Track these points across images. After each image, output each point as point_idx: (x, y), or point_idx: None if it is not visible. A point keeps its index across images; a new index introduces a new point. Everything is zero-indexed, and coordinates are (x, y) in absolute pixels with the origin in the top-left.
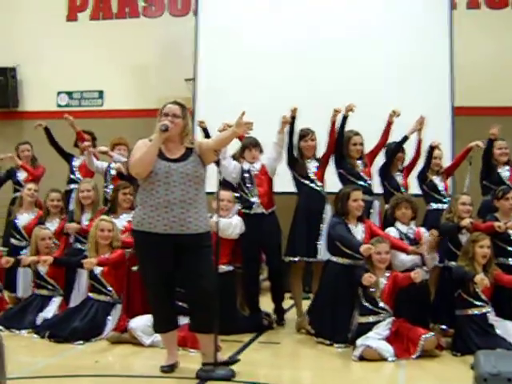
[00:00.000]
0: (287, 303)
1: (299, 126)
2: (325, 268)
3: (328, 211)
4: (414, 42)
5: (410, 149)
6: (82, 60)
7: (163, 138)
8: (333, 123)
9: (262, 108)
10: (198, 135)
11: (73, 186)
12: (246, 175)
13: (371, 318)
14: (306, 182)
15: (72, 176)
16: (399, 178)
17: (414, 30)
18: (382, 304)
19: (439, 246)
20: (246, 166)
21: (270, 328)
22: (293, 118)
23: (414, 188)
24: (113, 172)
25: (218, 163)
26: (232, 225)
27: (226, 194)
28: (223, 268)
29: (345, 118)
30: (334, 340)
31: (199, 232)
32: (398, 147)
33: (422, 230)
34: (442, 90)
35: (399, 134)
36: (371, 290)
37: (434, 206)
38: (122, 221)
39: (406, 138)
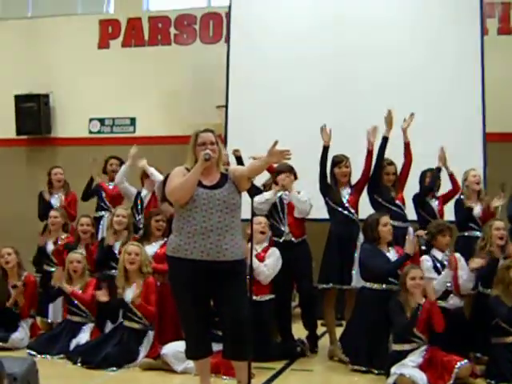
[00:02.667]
0: (319, 330)
1: (333, 151)
2: (359, 295)
3: (361, 238)
4: (446, 69)
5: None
6: (114, 87)
7: (204, 167)
8: (369, 151)
9: (294, 135)
10: (232, 164)
11: (102, 212)
12: (278, 203)
13: (406, 346)
14: (340, 208)
15: (101, 203)
16: (434, 205)
17: (445, 56)
18: (416, 332)
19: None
20: (279, 193)
21: (302, 355)
22: (326, 147)
23: (449, 215)
24: (146, 199)
25: (250, 192)
26: (265, 272)
27: (262, 219)
28: (263, 297)
29: (385, 141)
30: (371, 366)
31: (235, 259)
32: (434, 180)
33: (457, 255)
34: (474, 116)
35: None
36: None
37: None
38: (154, 248)
39: (439, 169)
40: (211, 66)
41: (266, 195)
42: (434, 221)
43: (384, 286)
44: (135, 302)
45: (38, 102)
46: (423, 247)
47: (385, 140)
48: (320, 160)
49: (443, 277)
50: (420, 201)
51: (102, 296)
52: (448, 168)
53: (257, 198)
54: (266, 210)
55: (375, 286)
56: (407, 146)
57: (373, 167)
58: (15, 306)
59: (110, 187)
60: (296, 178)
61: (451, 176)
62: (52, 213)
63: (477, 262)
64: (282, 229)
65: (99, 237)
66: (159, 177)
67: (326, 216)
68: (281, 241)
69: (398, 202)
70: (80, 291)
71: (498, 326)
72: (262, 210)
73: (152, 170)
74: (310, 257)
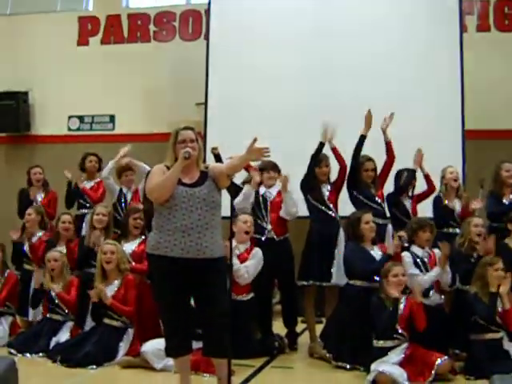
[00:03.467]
0: (299, 327)
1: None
2: (342, 291)
3: (341, 236)
4: (424, 66)
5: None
6: (94, 84)
7: (184, 165)
8: (333, 149)
9: (274, 132)
10: (210, 161)
11: (84, 210)
12: (261, 200)
13: (388, 343)
14: (321, 206)
15: (81, 201)
16: (408, 204)
17: (424, 53)
18: (398, 329)
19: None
20: (262, 190)
21: (282, 352)
22: (322, 143)
23: (422, 214)
24: (128, 196)
25: (229, 190)
26: (244, 275)
27: (248, 217)
28: (243, 297)
29: (362, 139)
30: (354, 363)
31: (214, 257)
32: (409, 180)
33: (437, 251)
34: (453, 114)
35: (410, 159)
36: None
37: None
38: (132, 245)
39: (413, 171)
40: (191, 63)
41: (244, 190)
42: (416, 217)
43: (367, 283)
44: (107, 301)
45: (17, 100)
46: (406, 245)
47: (362, 138)
48: (312, 155)
49: (434, 274)
50: (394, 200)
51: (95, 296)
52: (423, 169)
53: (236, 199)
54: (248, 206)
55: (359, 283)
56: (389, 145)
57: (350, 165)
58: None
59: (88, 187)
60: (279, 174)
61: (427, 176)
62: (27, 210)
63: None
64: (265, 226)
65: (82, 234)
66: (147, 168)
67: (307, 213)
68: (263, 238)
69: (377, 199)
70: (61, 291)
71: (476, 323)
72: (244, 208)
73: (139, 164)
74: (291, 255)
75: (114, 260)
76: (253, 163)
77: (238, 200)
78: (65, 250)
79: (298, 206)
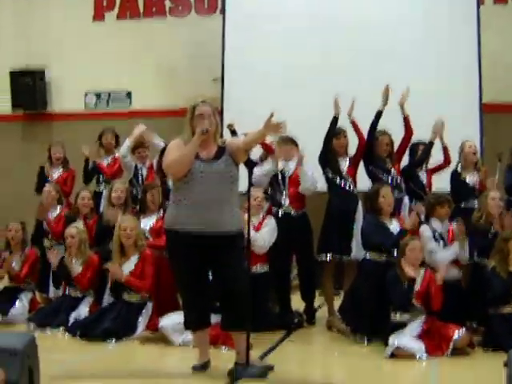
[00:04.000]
0: (317, 301)
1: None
2: (360, 265)
3: (360, 210)
4: (442, 39)
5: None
6: (110, 60)
7: (201, 140)
8: (352, 123)
9: (292, 107)
10: (227, 137)
11: (101, 187)
12: (279, 175)
13: (405, 317)
14: (339, 180)
15: (99, 177)
16: (423, 177)
17: (441, 27)
18: (415, 303)
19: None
20: (280, 164)
21: (300, 326)
22: (336, 117)
23: (439, 186)
24: (143, 172)
25: (247, 164)
26: (260, 242)
27: (258, 193)
28: (259, 268)
29: (379, 114)
30: (372, 337)
31: (232, 231)
32: (426, 154)
33: (455, 225)
34: (470, 88)
35: (427, 133)
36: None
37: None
38: (150, 221)
39: (431, 144)
40: (207, 38)
41: (266, 166)
42: (433, 192)
43: (385, 257)
44: (122, 279)
45: (34, 77)
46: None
47: (379, 113)
48: (328, 130)
49: (452, 250)
50: (409, 173)
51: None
52: (443, 140)
53: (256, 170)
54: (265, 182)
55: (376, 256)
56: (406, 120)
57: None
58: (11, 279)
59: (106, 163)
60: (298, 149)
61: (445, 148)
62: (46, 187)
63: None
64: (283, 201)
65: (100, 210)
66: (162, 145)
67: (325, 188)
68: (280, 213)
69: (393, 172)
70: (80, 268)
71: (494, 297)
72: (261, 182)
73: (156, 141)
74: (309, 229)
75: (133, 236)
76: (270, 138)
77: (257, 173)
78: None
79: (314, 181)
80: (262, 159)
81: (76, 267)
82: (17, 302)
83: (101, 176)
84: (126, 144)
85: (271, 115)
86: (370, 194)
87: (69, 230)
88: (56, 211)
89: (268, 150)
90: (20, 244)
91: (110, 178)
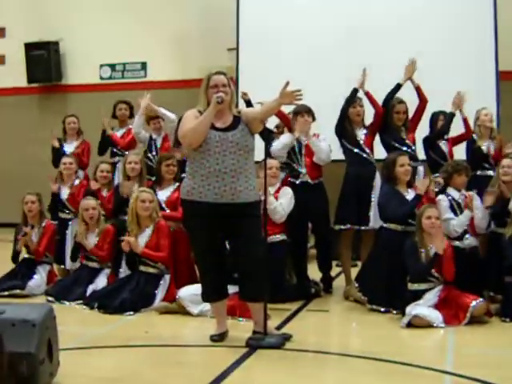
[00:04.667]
0: (334, 271)
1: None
2: (378, 235)
3: (377, 179)
4: (458, 6)
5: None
6: (124, 32)
7: (217, 110)
8: (366, 94)
9: (306, 76)
10: (242, 107)
11: (116, 158)
12: (296, 144)
13: (422, 286)
14: (356, 149)
15: (114, 149)
16: (445, 147)
17: None
18: (433, 272)
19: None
20: (297, 134)
21: (317, 296)
22: (356, 89)
23: (461, 156)
24: (158, 142)
25: (262, 134)
26: (279, 211)
27: (273, 162)
28: (275, 238)
29: (398, 87)
30: (390, 306)
31: (249, 201)
32: (447, 126)
33: (473, 193)
34: (486, 54)
35: (444, 101)
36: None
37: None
38: (167, 192)
39: (452, 115)
40: (222, 8)
41: (283, 140)
42: (453, 160)
43: (402, 226)
44: (138, 251)
45: (48, 50)
46: (436, 189)
47: (398, 86)
48: (346, 100)
49: (464, 217)
50: (431, 143)
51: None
52: (463, 112)
53: (274, 145)
54: (284, 155)
55: (393, 226)
56: (418, 89)
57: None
58: (30, 253)
59: (119, 134)
60: (314, 119)
61: (465, 120)
62: (65, 159)
63: (489, 200)
64: (300, 170)
65: (115, 183)
66: (172, 116)
67: (342, 157)
68: (297, 182)
69: (408, 141)
70: (97, 239)
71: (510, 265)
72: (281, 155)
73: (164, 111)
74: (326, 198)
75: (150, 208)
76: (286, 107)
77: (276, 148)
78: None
79: (327, 151)
80: (279, 128)
81: (92, 239)
82: (35, 275)
83: (115, 148)
84: (138, 120)
85: (287, 84)
86: (387, 162)
87: (88, 201)
88: (74, 184)
89: (284, 120)
90: (38, 216)
91: (125, 149)
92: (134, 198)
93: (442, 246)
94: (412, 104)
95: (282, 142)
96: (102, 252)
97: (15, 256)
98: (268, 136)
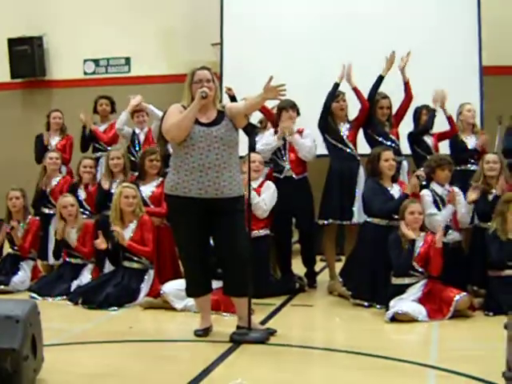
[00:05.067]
0: (318, 266)
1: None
2: (361, 229)
3: (361, 174)
4: (442, 3)
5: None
6: (108, 27)
7: (201, 105)
8: (354, 89)
9: (290, 71)
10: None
11: (99, 153)
12: (281, 142)
13: (406, 280)
14: (339, 144)
15: (96, 145)
16: (429, 141)
17: None
18: (416, 266)
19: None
20: (283, 134)
21: (302, 291)
22: (337, 84)
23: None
24: (141, 137)
25: (246, 129)
26: (262, 206)
27: (256, 156)
28: (258, 232)
29: (380, 79)
30: (373, 301)
31: (233, 196)
32: (430, 123)
33: (456, 189)
34: (470, 50)
35: (427, 96)
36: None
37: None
38: (150, 187)
39: (434, 111)
40: (205, 2)
41: (270, 142)
42: (436, 154)
43: (386, 221)
44: (123, 243)
45: (32, 45)
46: (423, 183)
47: (380, 78)
48: (328, 95)
49: (447, 212)
50: (415, 138)
51: (101, 244)
52: (446, 111)
53: (261, 149)
54: (269, 155)
55: (376, 221)
56: (407, 84)
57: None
58: (14, 249)
59: (101, 129)
60: (299, 114)
61: (449, 118)
62: (52, 154)
63: (472, 196)
64: (284, 165)
65: (98, 178)
66: (159, 113)
67: (326, 152)
68: (281, 177)
69: (392, 136)
70: (76, 235)
71: (493, 260)
72: (265, 157)
73: (152, 108)
74: (310, 193)
75: (134, 204)
76: (270, 102)
77: (262, 149)
78: (84, 194)
79: (309, 148)
80: (262, 123)
81: (73, 235)
82: (19, 271)
83: (97, 144)
84: (123, 117)
85: (270, 79)
86: (371, 157)
87: (66, 199)
88: (57, 178)
89: (267, 115)
90: (22, 212)
91: (108, 144)
92: (118, 194)
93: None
94: (397, 100)
95: (271, 145)
96: (85, 249)
97: None
98: (252, 131)
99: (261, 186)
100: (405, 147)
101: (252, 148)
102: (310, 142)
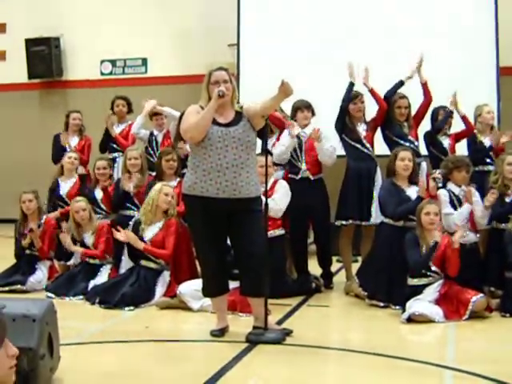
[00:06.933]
0: (334, 266)
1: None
2: (378, 230)
3: (379, 174)
4: (458, 4)
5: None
6: (125, 28)
7: (218, 104)
8: (371, 91)
9: (306, 72)
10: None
11: (115, 154)
12: (296, 141)
13: (422, 281)
14: (357, 145)
15: (113, 144)
16: (446, 142)
17: None
18: (433, 267)
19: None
20: (297, 130)
21: (318, 291)
22: (352, 83)
23: (463, 152)
24: (159, 138)
25: (262, 130)
26: (275, 206)
27: (263, 160)
28: (274, 232)
29: (401, 84)
30: (389, 302)
31: (250, 196)
32: (444, 123)
33: (472, 189)
34: (487, 50)
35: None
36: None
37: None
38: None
39: (450, 112)
40: (223, 3)
41: (284, 142)
42: (453, 155)
43: (402, 222)
44: (139, 247)
45: (49, 46)
46: (440, 185)
47: (401, 83)
48: (344, 96)
49: (464, 211)
50: (431, 138)
51: (122, 236)
52: (460, 111)
53: (277, 151)
54: (288, 157)
55: (393, 222)
56: (425, 85)
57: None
58: (31, 249)
59: (119, 131)
60: (314, 114)
61: (464, 118)
62: (72, 154)
63: (490, 200)
64: (300, 166)
65: (115, 178)
66: (176, 114)
67: (343, 152)
68: (297, 178)
69: (410, 137)
70: (92, 238)
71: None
72: (284, 159)
73: (168, 109)
74: (326, 194)
75: (171, 203)
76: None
77: (279, 151)
78: (101, 194)
79: (332, 153)
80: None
81: (89, 238)
82: (36, 271)
83: (114, 144)
84: (138, 122)
85: (282, 82)
86: (390, 156)
87: (78, 204)
88: (74, 179)
89: (277, 123)
90: (36, 213)
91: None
92: (157, 190)
93: (437, 237)
94: (416, 102)
95: (286, 145)
96: (95, 251)
97: (19, 252)
98: (267, 132)
99: (272, 186)
100: (423, 148)
101: (267, 150)
102: (330, 146)
